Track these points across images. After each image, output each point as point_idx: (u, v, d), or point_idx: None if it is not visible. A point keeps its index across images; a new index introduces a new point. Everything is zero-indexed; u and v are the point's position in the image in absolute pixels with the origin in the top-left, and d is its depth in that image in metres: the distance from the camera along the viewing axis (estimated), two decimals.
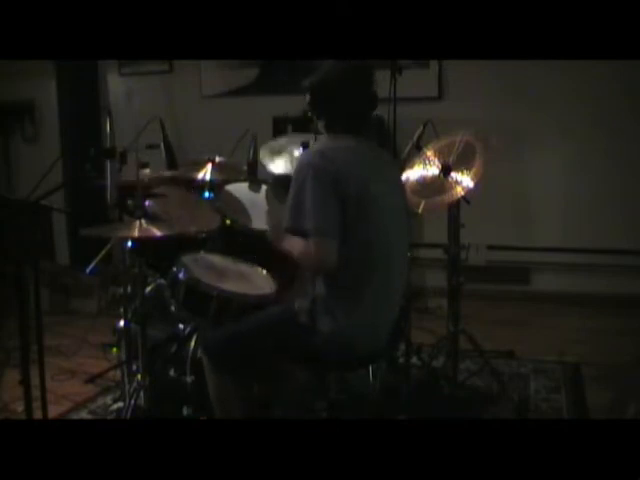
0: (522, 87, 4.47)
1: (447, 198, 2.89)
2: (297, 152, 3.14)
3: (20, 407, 2.31)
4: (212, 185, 3.05)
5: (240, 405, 2.27)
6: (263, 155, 3.17)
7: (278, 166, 3.14)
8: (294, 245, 2.11)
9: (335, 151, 2.14)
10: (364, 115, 2.22)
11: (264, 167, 3.17)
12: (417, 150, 3.06)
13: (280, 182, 2.87)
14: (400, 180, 2.50)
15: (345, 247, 2.08)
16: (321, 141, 2.23)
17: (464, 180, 2.86)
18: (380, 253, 2.14)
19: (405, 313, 2.99)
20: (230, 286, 2.48)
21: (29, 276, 2.22)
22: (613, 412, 2.84)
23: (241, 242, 2.85)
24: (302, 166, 2.11)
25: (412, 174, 3.01)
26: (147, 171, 2.87)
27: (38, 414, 2.25)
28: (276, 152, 3.20)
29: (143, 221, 2.44)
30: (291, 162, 3.12)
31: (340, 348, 2.13)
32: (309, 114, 2.23)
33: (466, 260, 3.22)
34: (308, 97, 2.19)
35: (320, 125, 2.23)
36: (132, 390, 2.58)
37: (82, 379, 3.33)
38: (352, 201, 2.07)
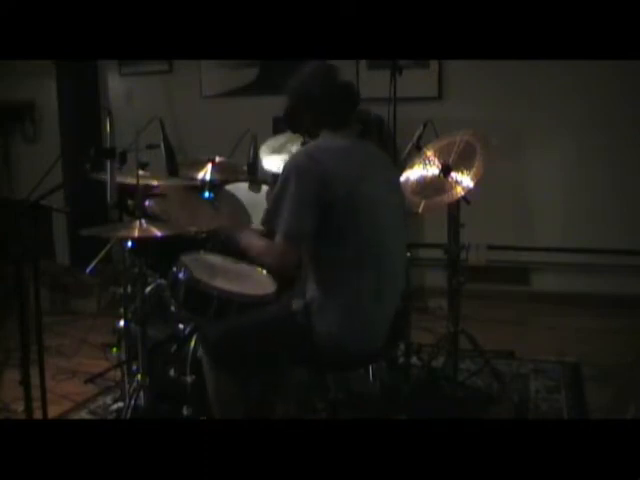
0: (522, 87, 4.47)
1: (447, 198, 2.89)
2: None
3: (20, 407, 2.31)
4: (212, 185, 3.05)
5: (238, 404, 2.27)
6: (262, 152, 3.17)
7: (273, 164, 3.14)
8: (257, 243, 2.19)
9: (325, 151, 2.13)
10: (346, 111, 2.22)
11: (264, 166, 3.17)
12: (417, 150, 3.06)
13: None
14: (396, 179, 2.48)
15: (337, 248, 2.08)
16: (315, 141, 2.23)
17: (464, 180, 2.86)
18: (373, 253, 2.13)
19: (404, 313, 2.99)
20: (230, 286, 2.48)
21: (29, 276, 2.22)
22: (613, 412, 2.83)
23: None
24: (288, 166, 2.11)
25: (412, 174, 3.01)
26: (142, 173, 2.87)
27: (38, 414, 2.26)
28: (275, 150, 3.20)
29: (143, 221, 2.44)
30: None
31: (335, 349, 2.13)
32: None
33: (466, 260, 3.22)
34: (290, 101, 2.23)
35: (307, 126, 2.25)
36: (132, 390, 2.58)
37: (82, 379, 3.32)
38: (341, 202, 2.06)
